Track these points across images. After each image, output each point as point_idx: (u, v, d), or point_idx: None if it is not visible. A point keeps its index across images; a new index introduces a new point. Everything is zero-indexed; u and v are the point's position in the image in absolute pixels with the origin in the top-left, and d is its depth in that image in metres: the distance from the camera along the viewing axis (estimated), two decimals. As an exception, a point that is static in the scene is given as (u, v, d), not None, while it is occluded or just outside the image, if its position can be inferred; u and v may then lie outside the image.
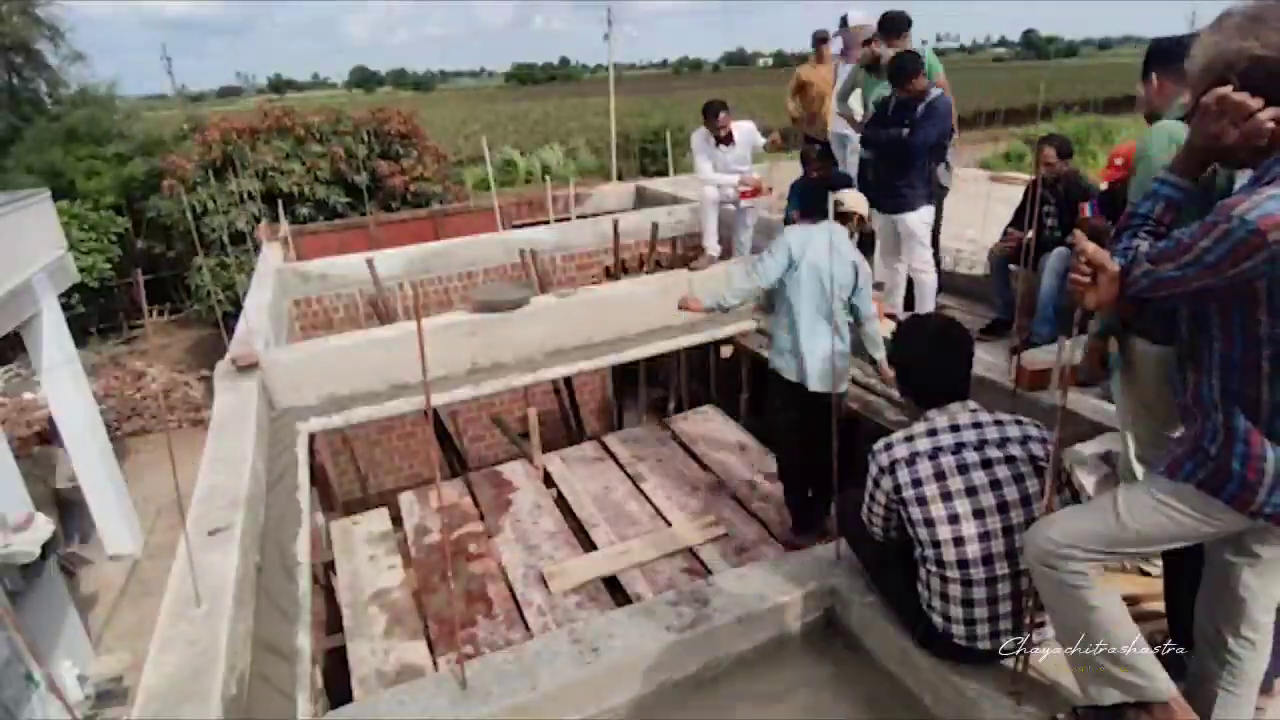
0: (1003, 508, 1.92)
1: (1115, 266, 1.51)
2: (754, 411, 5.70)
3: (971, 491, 1.94)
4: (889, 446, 2.03)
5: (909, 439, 2.02)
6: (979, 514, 1.93)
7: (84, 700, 5.45)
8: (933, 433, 2.01)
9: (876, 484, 2.07)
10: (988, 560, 1.92)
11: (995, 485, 1.93)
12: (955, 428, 2.00)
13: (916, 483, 1.97)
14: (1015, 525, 1.91)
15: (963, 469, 1.95)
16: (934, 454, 1.97)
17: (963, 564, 1.93)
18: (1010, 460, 1.95)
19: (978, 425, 2.00)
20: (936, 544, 1.95)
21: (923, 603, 2.07)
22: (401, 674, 3.06)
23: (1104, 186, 3.96)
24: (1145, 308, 1.61)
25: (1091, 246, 1.54)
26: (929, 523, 1.95)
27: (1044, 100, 32.49)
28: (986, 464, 1.94)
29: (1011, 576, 1.92)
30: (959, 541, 1.93)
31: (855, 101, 5.19)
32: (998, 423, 2.01)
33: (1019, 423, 2.03)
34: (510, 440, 6.65)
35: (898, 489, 1.99)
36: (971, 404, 2.06)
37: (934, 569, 1.98)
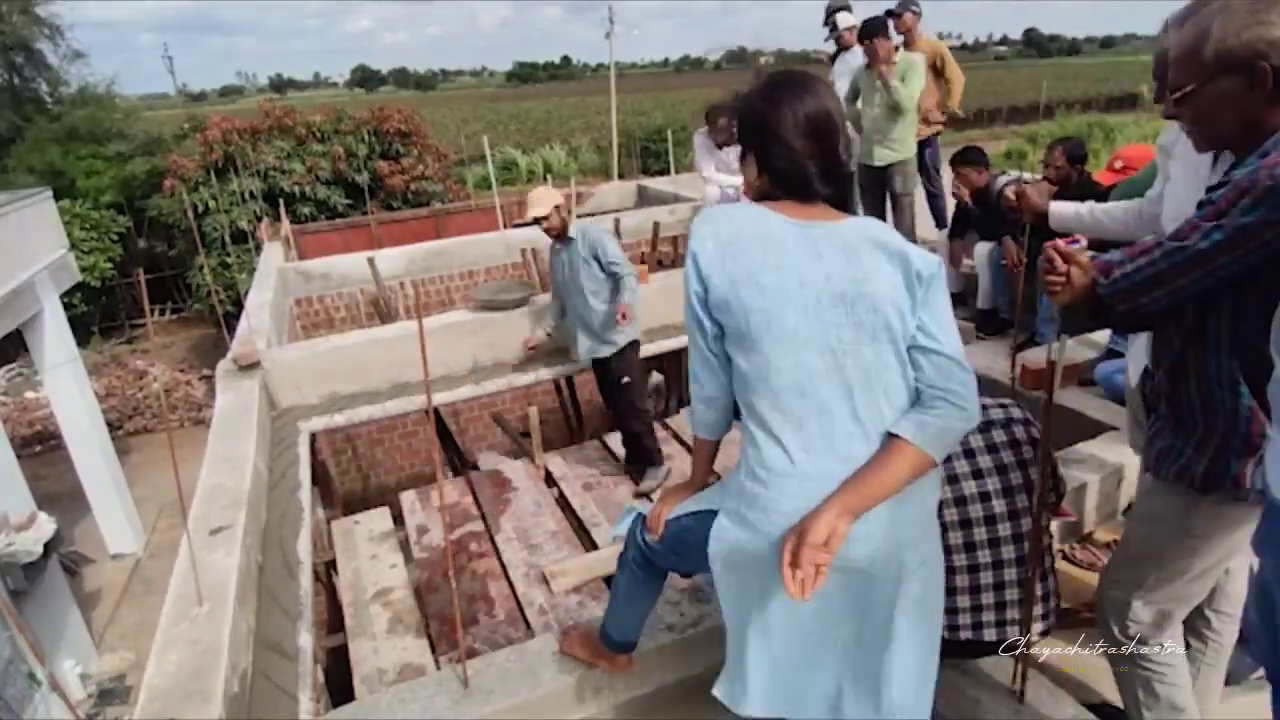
0: (984, 496, 1.89)
1: (1084, 259, 1.51)
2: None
3: (953, 480, 1.90)
4: None
5: None
6: (960, 501, 1.89)
7: (86, 699, 5.46)
8: None
9: None
10: (970, 548, 1.90)
11: (977, 474, 1.89)
12: None
13: None
14: (998, 515, 1.89)
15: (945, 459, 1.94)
16: None
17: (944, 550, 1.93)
18: (993, 448, 1.92)
19: None
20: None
21: None
22: (403, 673, 3.06)
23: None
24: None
25: (1061, 242, 1.56)
26: None
27: (1046, 99, 32.49)
28: (969, 453, 1.91)
29: (993, 566, 1.88)
30: (942, 528, 1.92)
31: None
32: (980, 406, 2.00)
33: (1002, 406, 2.00)
34: (512, 439, 6.65)
35: None
36: None
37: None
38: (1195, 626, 1.73)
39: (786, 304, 1.31)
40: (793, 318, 1.31)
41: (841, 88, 5.60)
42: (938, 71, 5.58)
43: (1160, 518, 1.63)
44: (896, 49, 4.79)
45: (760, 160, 1.44)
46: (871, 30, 4.77)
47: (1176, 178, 1.82)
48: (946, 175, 5.76)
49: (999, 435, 1.92)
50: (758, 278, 1.32)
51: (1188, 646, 1.76)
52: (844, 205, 1.44)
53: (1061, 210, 2.26)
